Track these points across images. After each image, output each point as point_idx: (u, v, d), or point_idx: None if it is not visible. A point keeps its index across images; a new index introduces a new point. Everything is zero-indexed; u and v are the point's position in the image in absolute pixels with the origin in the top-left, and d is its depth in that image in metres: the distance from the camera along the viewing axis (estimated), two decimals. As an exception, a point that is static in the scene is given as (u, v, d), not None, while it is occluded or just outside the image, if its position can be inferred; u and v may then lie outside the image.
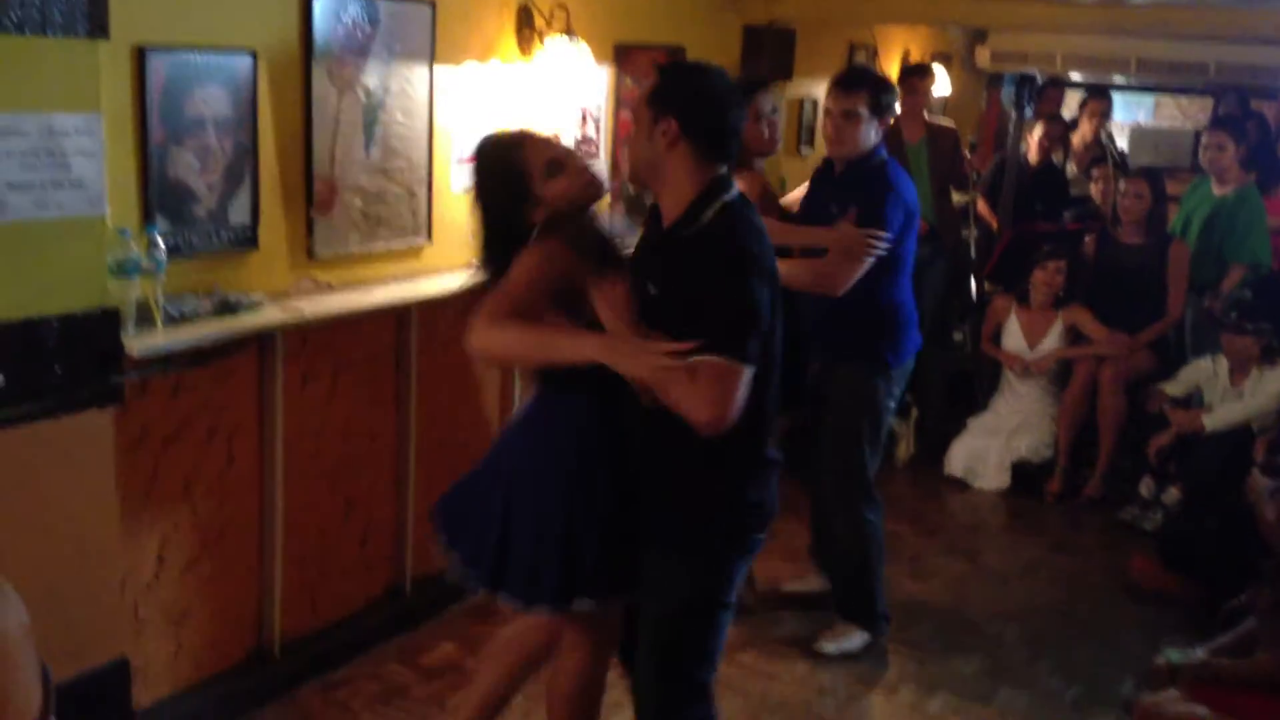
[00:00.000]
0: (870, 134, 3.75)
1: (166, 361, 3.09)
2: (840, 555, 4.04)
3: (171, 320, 3.05)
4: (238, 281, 3.34)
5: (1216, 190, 5.71)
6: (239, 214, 3.32)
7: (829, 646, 3.98)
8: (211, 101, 3.19)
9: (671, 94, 2.39)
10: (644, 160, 2.43)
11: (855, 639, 3.99)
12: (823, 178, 3.95)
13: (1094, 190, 6.36)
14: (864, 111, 3.71)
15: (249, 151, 3.32)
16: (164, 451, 3.20)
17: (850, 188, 3.74)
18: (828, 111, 3.82)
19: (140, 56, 2.98)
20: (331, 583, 3.79)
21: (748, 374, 2.30)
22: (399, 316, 3.86)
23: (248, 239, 3.36)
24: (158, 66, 3.02)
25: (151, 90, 3.01)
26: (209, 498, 3.34)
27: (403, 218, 3.90)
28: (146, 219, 3.05)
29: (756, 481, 2.51)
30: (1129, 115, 9.52)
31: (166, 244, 3.04)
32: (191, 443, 3.27)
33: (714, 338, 2.27)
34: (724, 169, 2.43)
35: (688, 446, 2.36)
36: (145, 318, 2.98)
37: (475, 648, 3.87)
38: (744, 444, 2.43)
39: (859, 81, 3.81)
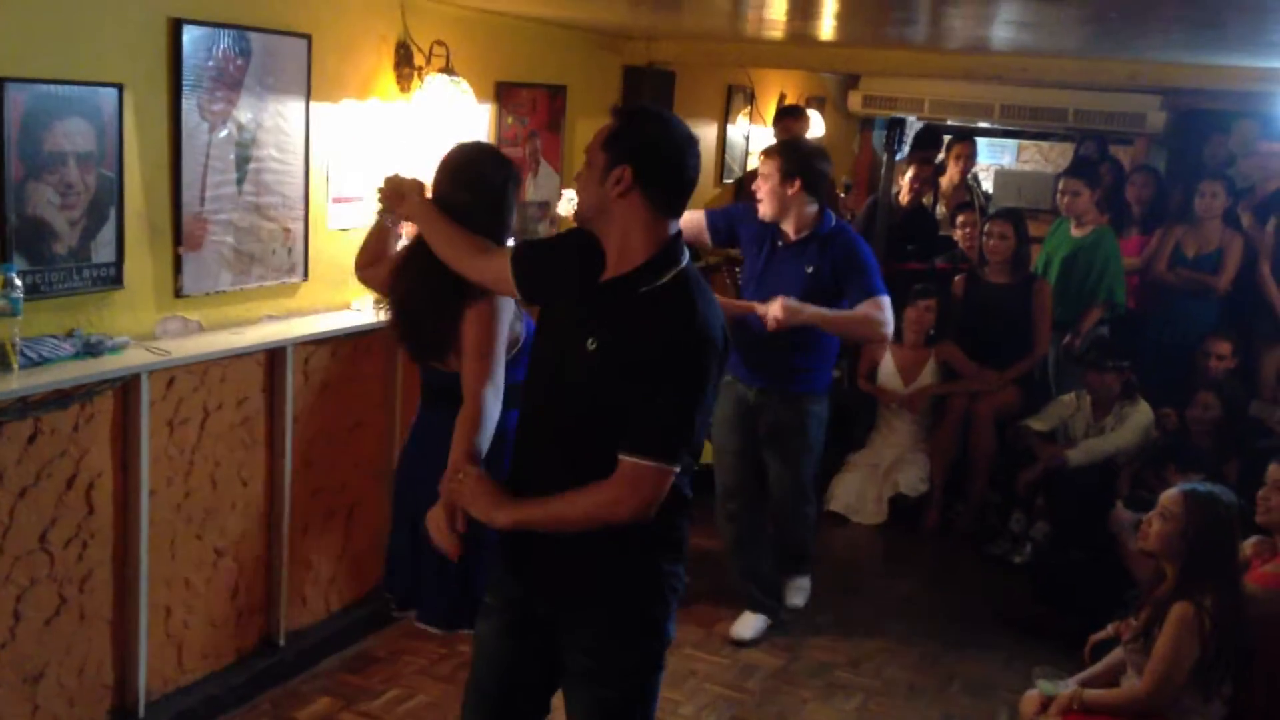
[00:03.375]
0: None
1: (23, 406, 2.94)
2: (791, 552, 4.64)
3: (29, 363, 2.92)
4: (101, 322, 3.20)
5: (1075, 232, 5.95)
6: (103, 251, 3.19)
7: (746, 632, 4.42)
8: (74, 135, 3.06)
9: (630, 141, 2.24)
10: (592, 204, 2.28)
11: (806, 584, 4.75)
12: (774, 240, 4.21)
13: (958, 235, 6.54)
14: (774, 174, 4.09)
15: (114, 187, 3.19)
16: (20, 500, 3.03)
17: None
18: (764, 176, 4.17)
19: (-3, 88, 2.85)
20: (200, 636, 3.64)
21: (672, 477, 2.22)
22: (272, 357, 3.75)
23: (112, 277, 3.23)
24: (17, 99, 2.89)
25: (9, 123, 2.88)
26: (69, 549, 3.18)
27: (277, 255, 3.80)
28: (2, 257, 2.91)
29: (677, 551, 2.41)
30: (993, 159, 9.87)
31: (24, 283, 2.92)
32: (50, 491, 3.11)
33: (651, 436, 2.18)
34: (676, 227, 2.29)
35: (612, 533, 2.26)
36: (0, 361, 2.84)
37: (351, 700, 3.76)
38: (666, 524, 2.33)
39: (772, 150, 4.24)
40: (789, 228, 4.15)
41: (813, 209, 4.13)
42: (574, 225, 2.45)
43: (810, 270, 4.09)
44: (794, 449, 4.32)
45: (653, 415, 2.18)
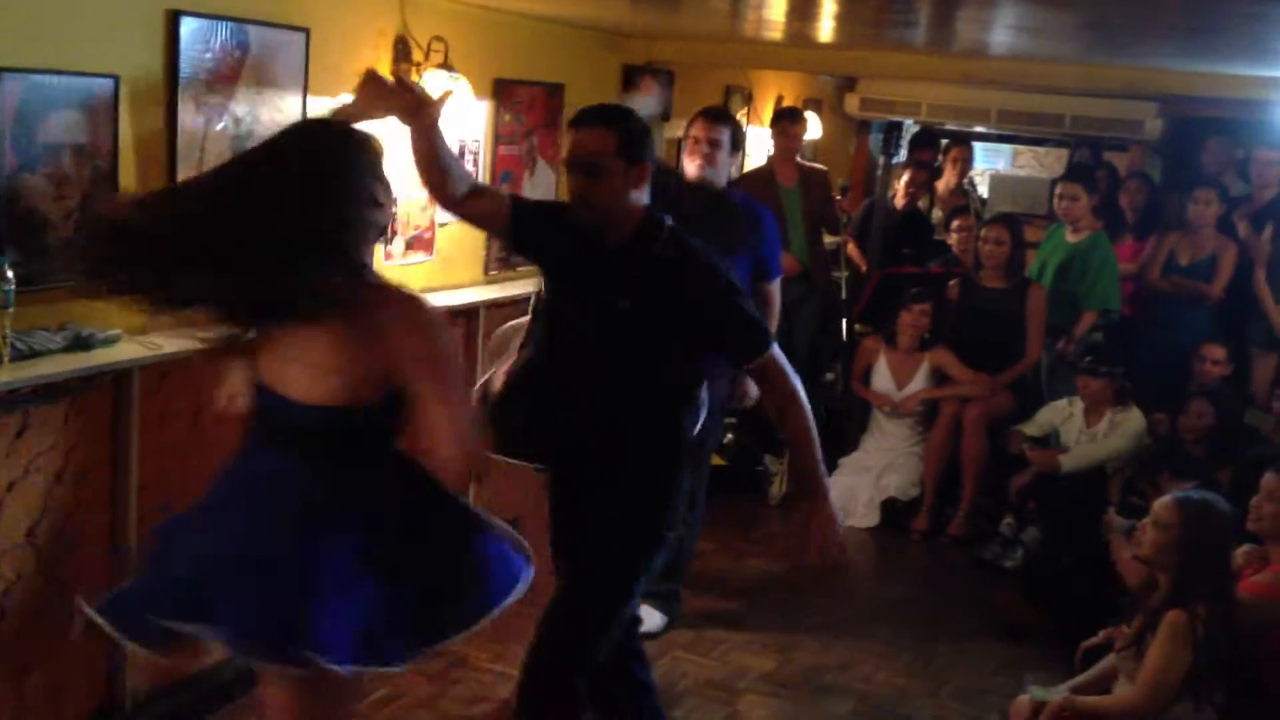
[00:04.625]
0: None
1: (13, 399, 2.92)
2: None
3: (20, 355, 2.89)
4: (93, 315, 3.18)
5: (1070, 237, 5.95)
6: (96, 244, 3.17)
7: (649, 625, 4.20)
8: (69, 126, 3.04)
9: (640, 141, 2.72)
10: (617, 204, 2.71)
11: (657, 618, 4.34)
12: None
13: (952, 240, 6.53)
14: (725, 142, 4.09)
15: (108, 179, 3.17)
16: (9, 493, 3.01)
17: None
18: (695, 140, 4.09)
19: (-9, 78, 2.83)
20: (189, 631, 3.61)
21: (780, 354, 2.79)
22: (266, 352, 3.73)
23: (105, 270, 3.20)
24: (11, 89, 2.87)
25: (3, 113, 2.87)
26: (56, 543, 3.15)
27: (271, 251, 3.78)
28: (-5, 249, 2.89)
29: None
30: (989, 163, 9.87)
31: (16, 275, 2.89)
32: (39, 485, 3.08)
33: (752, 338, 2.76)
34: None
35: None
36: (-9, 353, 2.82)
37: (341, 696, 3.74)
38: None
39: (724, 117, 4.20)
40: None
41: None
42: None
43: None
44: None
45: (737, 327, 2.76)
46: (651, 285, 2.73)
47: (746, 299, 2.84)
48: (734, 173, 4.26)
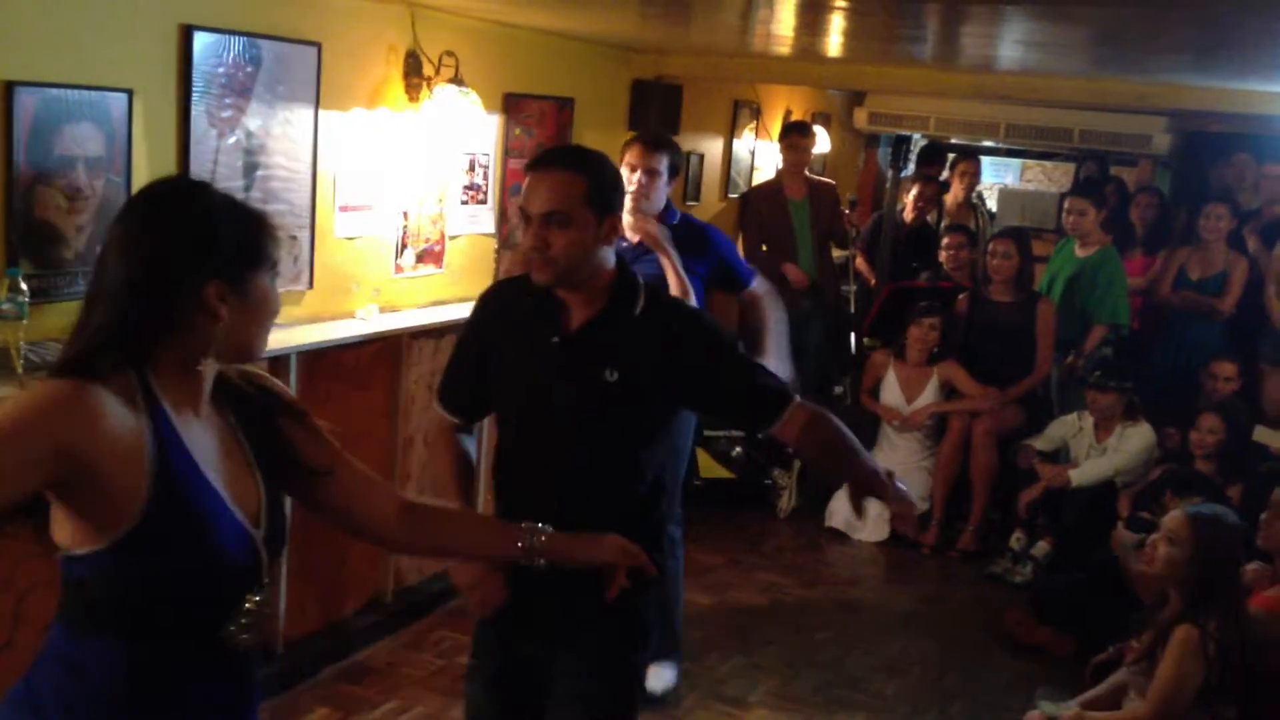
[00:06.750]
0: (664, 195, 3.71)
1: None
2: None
3: (33, 367, 2.90)
4: (106, 327, 3.19)
5: (1079, 252, 5.95)
6: (109, 257, 3.18)
7: (655, 685, 3.88)
8: (83, 140, 3.07)
9: (611, 190, 2.34)
10: (584, 261, 2.29)
11: (670, 673, 3.98)
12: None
13: (943, 256, 6.46)
14: (664, 170, 3.66)
15: (122, 192, 3.19)
16: (21, 505, 3.02)
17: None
18: (632, 168, 3.63)
19: (8, 92, 2.85)
20: (199, 642, 3.62)
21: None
22: (275, 365, 3.74)
23: (118, 283, 3.22)
24: (26, 103, 2.89)
25: (19, 127, 2.89)
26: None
27: (283, 263, 3.79)
28: (9, 261, 2.91)
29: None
30: (997, 178, 9.88)
31: (30, 287, 2.91)
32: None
33: (778, 391, 2.44)
34: None
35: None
36: (5, 364, 2.84)
37: (350, 711, 3.74)
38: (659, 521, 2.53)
39: (662, 143, 3.73)
40: (639, 231, 3.61)
41: None
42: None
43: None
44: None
45: (758, 382, 2.45)
46: (642, 352, 2.35)
47: (746, 354, 2.57)
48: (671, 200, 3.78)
